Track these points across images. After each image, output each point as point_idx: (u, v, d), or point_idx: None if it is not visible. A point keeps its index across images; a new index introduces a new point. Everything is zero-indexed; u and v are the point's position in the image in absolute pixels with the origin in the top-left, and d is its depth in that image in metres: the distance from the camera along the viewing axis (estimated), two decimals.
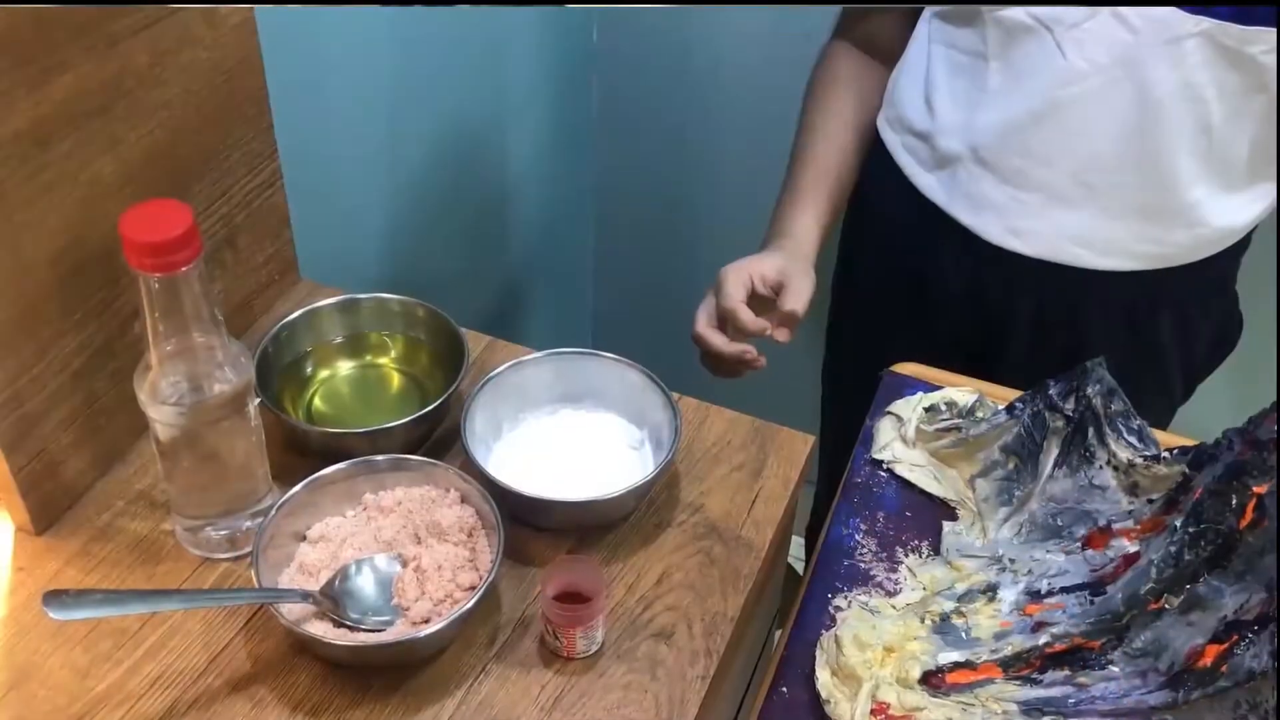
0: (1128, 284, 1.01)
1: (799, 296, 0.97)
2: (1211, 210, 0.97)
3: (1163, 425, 1.16)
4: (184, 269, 0.68)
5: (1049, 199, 0.97)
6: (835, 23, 1.14)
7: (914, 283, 1.10)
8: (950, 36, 0.99)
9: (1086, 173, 0.95)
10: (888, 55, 1.10)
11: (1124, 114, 0.92)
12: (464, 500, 0.79)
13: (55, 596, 0.67)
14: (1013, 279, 1.03)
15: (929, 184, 1.04)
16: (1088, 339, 1.04)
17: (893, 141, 1.08)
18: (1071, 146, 0.95)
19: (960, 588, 0.78)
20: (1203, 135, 0.92)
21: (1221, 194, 0.96)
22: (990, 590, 0.77)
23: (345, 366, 0.93)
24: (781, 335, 0.98)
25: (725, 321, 0.99)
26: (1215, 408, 1.19)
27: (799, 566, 1.66)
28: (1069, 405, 0.80)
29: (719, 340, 0.98)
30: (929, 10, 1.03)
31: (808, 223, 1.05)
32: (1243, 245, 1.04)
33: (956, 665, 0.72)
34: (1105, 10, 0.89)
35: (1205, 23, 0.87)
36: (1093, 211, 0.97)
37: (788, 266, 0.99)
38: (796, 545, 1.67)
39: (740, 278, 0.98)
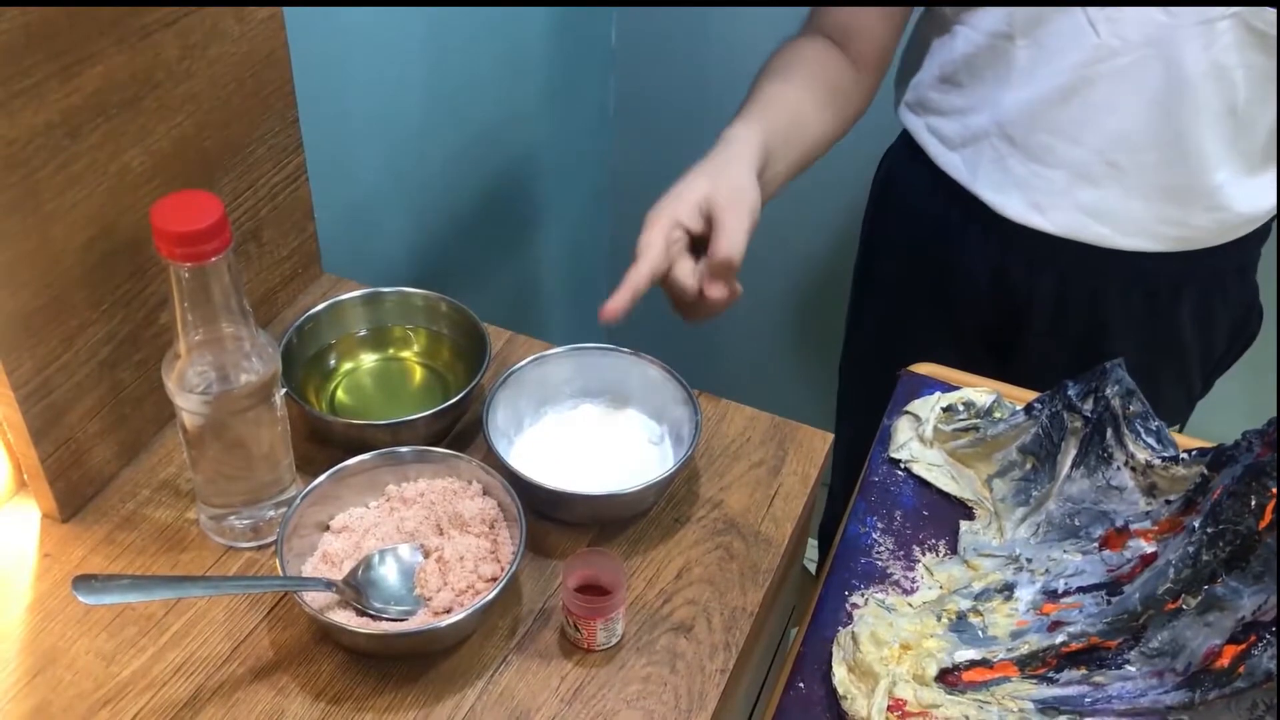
0: (1149, 265, 1.01)
1: (730, 236, 0.83)
2: (1233, 194, 0.97)
3: (1182, 419, 1.16)
4: (214, 259, 0.68)
5: (1074, 176, 0.98)
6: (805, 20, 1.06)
7: (936, 269, 1.10)
8: (966, 18, 0.99)
9: (1112, 150, 0.96)
10: (861, 54, 1.02)
11: (1153, 93, 0.92)
12: (486, 492, 0.79)
13: (84, 581, 0.67)
14: (1034, 257, 1.04)
15: (953, 163, 1.04)
16: (1108, 321, 1.05)
17: (916, 125, 1.08)
18: (1099, 123, 0.95)
19: (977, 586, 0.78)
20: (1229, 117, 0.93)
21: (1244, 178, 0.97)
22: (1007, 589, 0.77)
23: (368, 359, 0.93)
24: (715, 292, 0.84)
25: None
26: (1233, 410, 1.20)
27: (812, 568, 1.66)
28: (1087, 406, 0.81)
29: (685, 278, 0.84)
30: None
31: (745, 133, 0.91)
32: (1263, 233, 1.04)
33: (973, 663, 0.73)
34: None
35: (1239, 4, 0.87)
36: (1116, 190, 0.97)
37: (715, 192, 0.85)
38: (810, 547, 1.68)
39: (658, 231, 0.83)
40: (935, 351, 0.99)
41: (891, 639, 0.73)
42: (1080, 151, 0.97)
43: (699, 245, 0.87)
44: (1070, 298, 1.05)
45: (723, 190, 0.85)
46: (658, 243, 0.83)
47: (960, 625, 0.75)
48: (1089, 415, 0.80)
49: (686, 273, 0.84)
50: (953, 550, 0.83)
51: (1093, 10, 0.91)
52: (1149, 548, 0.76)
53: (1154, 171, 0.96)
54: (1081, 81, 0.94)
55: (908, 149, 1.11)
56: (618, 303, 0.82)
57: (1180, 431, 1.13)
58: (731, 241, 0.83)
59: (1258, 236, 1.04)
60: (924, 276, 1.12)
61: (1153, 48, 0.90)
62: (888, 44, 1.03)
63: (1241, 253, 1.04)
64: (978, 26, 0.98)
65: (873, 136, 1.19)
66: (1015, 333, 1.09)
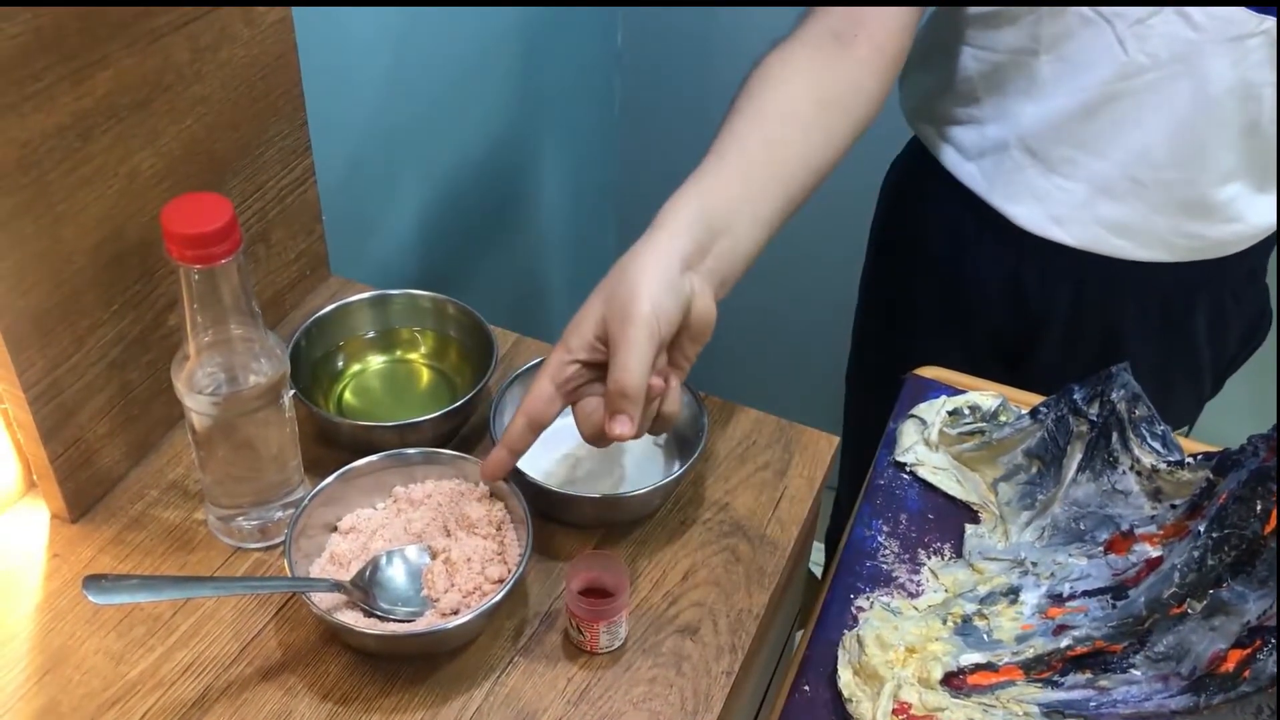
0: (1165, 274, 1.01)
1: (622, 363, 0.69)
2: (1247, 207, 0.97)
3: (1191, 419, 1.16)
4: (223, 261, 0.69)
5: (1095, 190, 0.97)
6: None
7: (948, 276, 1.10)
8: (983, 39, 0.98)
9: (1135, 165, 0.95)
10: (872, 48, 0.87)
11: (1179, 109, 0.92)
12: (493, 494, 0.80)
13: (94, 581, 0.68)
14: (1051, 269, 1.03)
15: (969, 172, 1.04)
16: (1123, 327, 1.05)
17: (927, 132, 1.07)
18: (1123, 139, 0.94)
19: (982, 590, 0.78)
20: (1252, 133, 0.92)
21: (1255, 192, 0.97)
22: (1012, 593, 0.77)
23: (376, 361, 0.94)
24: (618, 428, 0.70)
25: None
26: (1242, 412, 1.20)
27: (818, 572, 1.66)
28: (1093, 410, 0.81)
29: (586, 422, 0.74)
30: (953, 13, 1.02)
31: (673, 212, 0.76)
32: (1276, 238, 1.05)
33: (978, 667, 0.73)
34: (1170, 6, 0.88)
35: (1269, 21, 0.86)
36: (1136, 204, 0.97)
37: (608, 310, 0.71)
38: (815, 551, 1.68)
39: (545, 375, 0.73)
40: (944, 359, 0.99)
41: (897, 642, 0.73)
42: (1103, 165, 0.96)
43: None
44: (1086, 308, 1.05)
45: (614, 307, 0.70)
46: (541, 389, 0.73)
47: (965, 629, 0.75)
48: (1094, 419, 0.80)
49: (589, 414, 0.73)
50: (958, 553, 0.83)
51: (1121, 28, 0.90)
52: (1154, 552, 0.76)
53: (1174, 186, 0.95)
54: (1107, 97, 0.93)
55: (920, 153, 1.10)
56: (493, 464, 0.74)
57: (1189, 433, 1.13)
58: (623, 369, 0.69)
59: (1269, 242, 1.04)
60: (934, 283, 1.11)
61: (1181, 65, 0.90)
62: (903, 34, 0.89)
63: (1254, 257, 1.04)
64: (994, 47, 0.97)
65: (883, 139, 1.19)
66: (1028, 343, 1.09)
